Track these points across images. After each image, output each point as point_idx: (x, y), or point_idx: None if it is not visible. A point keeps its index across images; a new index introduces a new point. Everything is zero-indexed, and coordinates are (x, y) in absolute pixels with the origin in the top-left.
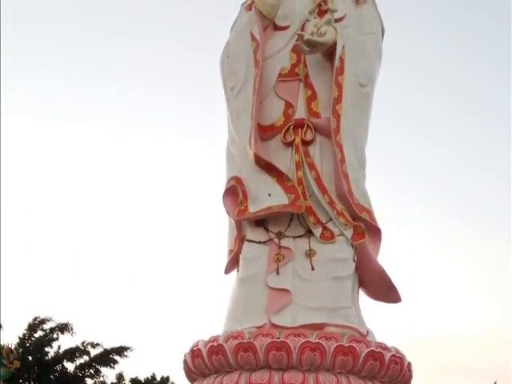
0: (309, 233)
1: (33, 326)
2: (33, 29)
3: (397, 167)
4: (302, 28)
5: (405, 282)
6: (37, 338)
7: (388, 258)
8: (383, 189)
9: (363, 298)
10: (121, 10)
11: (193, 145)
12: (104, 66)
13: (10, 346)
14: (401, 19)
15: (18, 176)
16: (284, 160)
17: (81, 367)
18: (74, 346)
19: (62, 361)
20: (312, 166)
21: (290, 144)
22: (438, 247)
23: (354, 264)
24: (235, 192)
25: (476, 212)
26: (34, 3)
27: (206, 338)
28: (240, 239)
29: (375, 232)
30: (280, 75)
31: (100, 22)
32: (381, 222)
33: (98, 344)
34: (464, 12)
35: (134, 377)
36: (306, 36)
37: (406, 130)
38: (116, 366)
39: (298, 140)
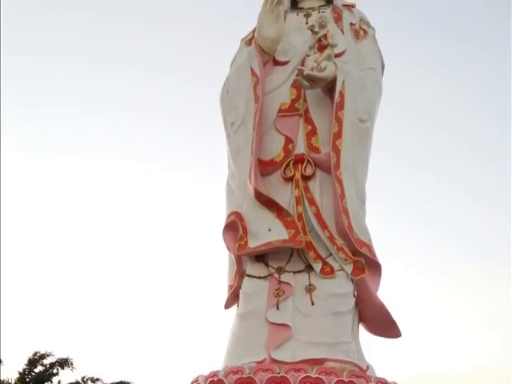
0: (309, 268)
1: (33, 361)
2: (41, 66)
3: (397, 203)
4: (302, 63)
5: (405, 317)
6: (37, 373)
7: (388, 293)
8: (383, 224)
9: (363, 333)
10: (126, 47)
11: (197, 182)
12: (109, 105)
13: (10, 381)
14: (401, 55)
15: (20, 211)
16: (284, 195)
17: None
18: (74, 381)
19: None
20: (312, 201)
21: (289, 179)
22: (438, 283)
23: (354, 299)
24: (235, 227)
25: (476, 249)
26: (32, 40)
27: (206, 373)
28: (240, 274)
29: (375, 267)
30: (280, 110)
31: (104, 60)
32: (381, 258)
33: (98, 379)
34: (465, 49)
35: None
36: (306, 71)
37: (406, 166)
38: None
39: (297, 175)
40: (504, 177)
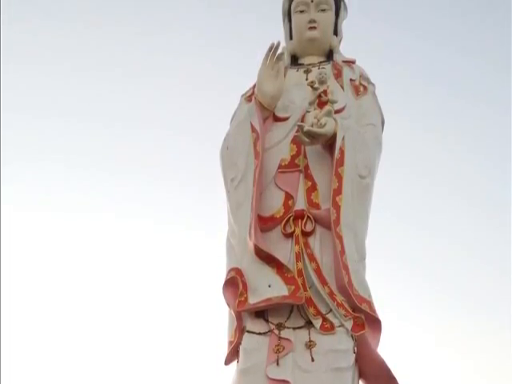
0: (309, 324)
1: None
2: (31, 120)
3: (397, 259)
4: (302, 119)
5: (405, 373)
6: None
7: (388, 349)
8: (383, 280)
9: None
10: (119, 100)
11: (193, 235)
12: (104, 157)
13: None
14: (401, 110)
15: (15, 271)
16: (284, 251)
17: None
18: None
19: None
20: (312, 258)
21: (289, 235)
22: (438, 338)
23: (354, 355)
24: (235, 283)
25: (476, 304)
26: (31, 94)
27: None
28: (240, 330)
29: (375, 323)
30: (280, 166)
31: (98, 113)
32: (381, 314)
33: None
34: (464, 103)
35: None
36: (306, 127)
37: (406, 222)
38: None
39: (297, 231)
40: (504, 235)
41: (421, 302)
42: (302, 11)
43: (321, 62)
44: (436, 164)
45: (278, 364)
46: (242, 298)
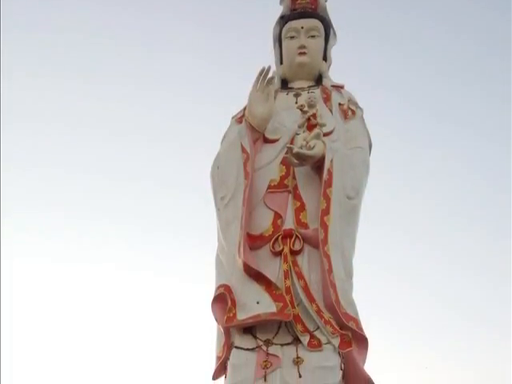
0: (296, 340)
1: None
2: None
3: (385, 276)
4: (292, 141)
5: None
6: None
7: (374, 366)
8: (370, 299)
9: None
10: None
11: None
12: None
13: None
14: (389, 132)
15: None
16: (272, 269)
17: None
18: None
19: None
20: (300, 276)
21: (278, 253)
22: (425, 355)
23: (341, 372)
24: (224, 299)
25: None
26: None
27: None
28: (228, 346)
29: (362, 341)
30: (269, 187)
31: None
32: (368, 332)
33: None
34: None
35: None
36: (296, 149)
37: (395, 238)
38: None
39: (286, 250)
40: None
41: (410, 321)
42: (292, 37)
43: (310, 87)
44: (429, 177)
45: (265, 380)
46: (231, 314)
